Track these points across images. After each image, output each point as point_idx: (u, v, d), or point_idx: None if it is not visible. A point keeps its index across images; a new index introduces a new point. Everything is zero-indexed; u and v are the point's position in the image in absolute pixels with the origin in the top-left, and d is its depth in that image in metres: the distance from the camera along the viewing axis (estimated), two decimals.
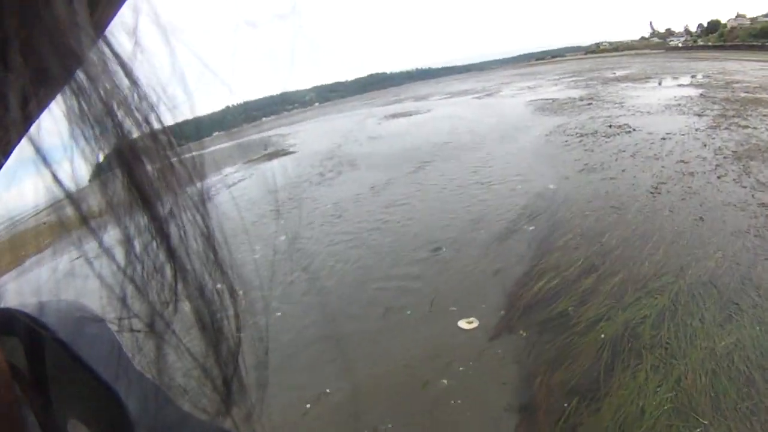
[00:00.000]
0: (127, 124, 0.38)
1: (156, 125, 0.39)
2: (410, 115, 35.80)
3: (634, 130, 15.31)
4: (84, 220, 0.37)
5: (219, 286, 0.45)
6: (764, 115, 15.73)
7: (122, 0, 0.39)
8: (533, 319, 5.74)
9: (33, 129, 0.36)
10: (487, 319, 5.90)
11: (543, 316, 5.74)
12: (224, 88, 0.45)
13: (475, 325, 5.80)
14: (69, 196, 0.35)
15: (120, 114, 0.37)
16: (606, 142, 14.20)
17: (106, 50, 0.37)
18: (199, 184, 0.44)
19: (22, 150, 0.37)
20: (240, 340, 0.48)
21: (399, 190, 13.09)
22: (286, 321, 6.82)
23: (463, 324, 5.85)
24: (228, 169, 27.63)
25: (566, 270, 6.69)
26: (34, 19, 0.32)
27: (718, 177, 9.83)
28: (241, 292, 0.47)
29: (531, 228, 8.55)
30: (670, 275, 6.16)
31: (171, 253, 0.42)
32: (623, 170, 11.11)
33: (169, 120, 0.41)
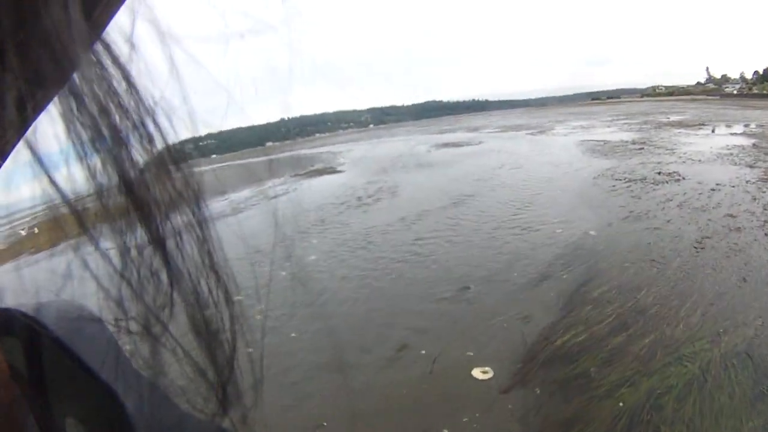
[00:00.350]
0: (124, 127, 0.38)
1: (152, 129, 0.40)
2: (461, 146, 35.56)
3: (683, 178, 14.81)
4: (80, 223, 0.38)
5: (214, 290, 0.46)
6: None
7: (120, 3, 0.39)
8: (551, 375, 5.41)
9: (30, 131, 0.37)
10: (503, 369, 5.60)
11: (562, 374, 5.40)
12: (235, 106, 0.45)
13: (489, 375, 5.50)
14: (65, 198, 0.36)
15: (116, 117, 0.38)
16: (654, 189, 13.74)
17: (103, 53, 0.37)
18: (195, 191, 0.44)
19: (20, 152, 0.38)
20: (235, 343, 0.48)
21: (434, 224, 12.85)
22: (294, 344, 6.78)
23: (476, 373, 5.57)
24: (274, 181, 27.95)
25: (596, 325, 6.33)
26: (30, 21, 0.32)
27: (766, 234, 9.32)
28: (236, 298, 0.48)
29: (565, 276, 8.18)
30: (705, 341, 5.74)
31: (166, 258, 0.42)
32: (668, 221, 10.68)
33: (167, 125, 0.41)
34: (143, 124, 0.39)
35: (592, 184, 15.47)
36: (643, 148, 22.66)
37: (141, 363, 0.44)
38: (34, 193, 0.36)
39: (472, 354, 6.02)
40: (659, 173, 15.91)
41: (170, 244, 0.42)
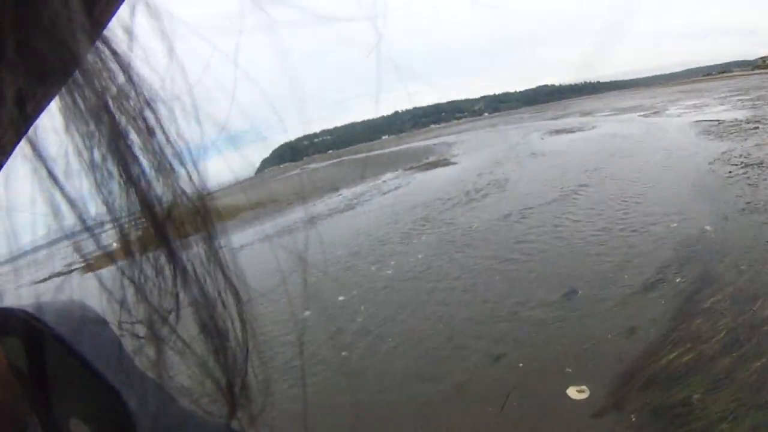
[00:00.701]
0: (126, 123, 0.39)
1: (154, 124, 0.40)
2: (574, 131, 34.91)
3: None
4: (83, 223, 0.38)
5: (223, 292, 0.46)
6: None
7: None
8: (650, 400, 5.02)
9: (31, 129, 0.38)
10: (601, 389, 5.30)
11: (661, 399, 4.99)
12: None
13: (585, 396, 5.23)
14: (67, 197, 0.37)
15: (118, 113, 0.39)
16: None
17: (105, 49, 0.38)
18: (202, 189, 0.44)
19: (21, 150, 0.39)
20: (246, 345, 0.49)
21: (541, 220, 12.45)
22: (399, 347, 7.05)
23: (572, 392, 5.31)
24: (387, 175, 28.23)
25: (705, 342, 5.76)
26: (31, 17, 0.32)
27: None
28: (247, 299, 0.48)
29: (678, 280, 7.59)
30: None
31: (173, 259, 0.43)
32: None
33: (169, 120, 0.41)
34: (145, 120, 0.40)
35: (707, 170, 14.39)
36: (758, 127, 21.02)
37: (146, 364, 0.45)
38: (36, 192, 0.36)
39: (570, 371, 5.76)
40: None
41: (177, 245, 0.43)
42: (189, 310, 0.45)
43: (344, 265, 12.17)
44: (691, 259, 8.28)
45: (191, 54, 0.39)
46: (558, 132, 36.29)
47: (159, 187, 0.41)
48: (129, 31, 0.38)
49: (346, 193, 26.05)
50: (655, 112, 39.12)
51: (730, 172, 13.71)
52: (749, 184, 12.14)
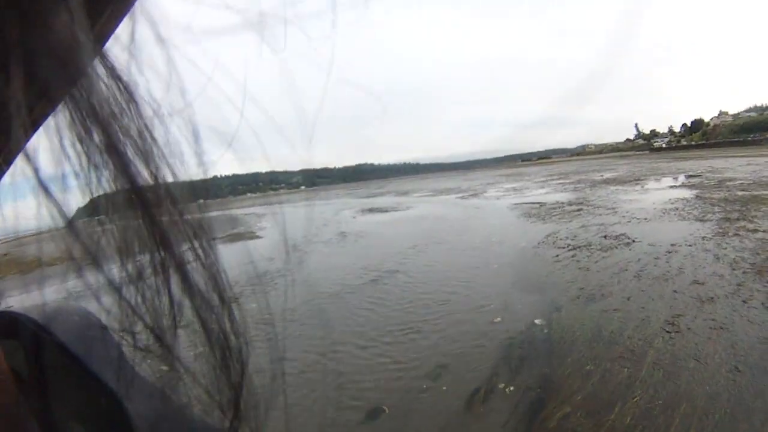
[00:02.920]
0: (123, 138, 0.39)
1: (150, 141, 0.41)
2: (388, 211, 35.14)
3: (633, 241, 13.49)
4: (78, 236, 0.39)
5: (220, 309, 0.46)
6: None
7: (123, 14, 0.39)
8: None
9: (30, 143, 0.37)
10: None
11: None
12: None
13: None
14: (61, 211, 0.37)
15: (116, 128, 0.39)
16: (603, 257, 12.08)
17: (104, 64, 0.39)
18: (200, 209, 0.45)
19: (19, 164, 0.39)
20: (245, 361, 0.49)
21: (339, 314, 10.38)
22: None
23: None
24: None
25: None
26: (35, 31, 0.33)
27: (744, 301, 8.02)
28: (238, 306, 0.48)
29: (510, 389, 6.05)
30: None
31: (169, 277, 0.43)
32: (628, 298, 8.88)
33: (165, 136, 0.42)
34: (142, 136, 0.40)
35: (532, 254, 13.63)
36: (581, 209, 21.83)
37: (147, 372, 0.49)
38: (34, 205, 0.36)
39: None
40: (605, 237, 14.59)
41: (174, 263, 0.43)
42: (189, 321, 0.44)
43: None
44: (524, 362, 6.85)
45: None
46: (371, 211, 36.57)
47: (154, 197, 0.41)
48: (128, 45, 0.38)
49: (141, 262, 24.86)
50: (473, 195, 40.38)
51: (557, 255, 13.09)
52: (580, 268, 11.49)
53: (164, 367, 0.44)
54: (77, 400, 0.65)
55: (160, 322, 0.43)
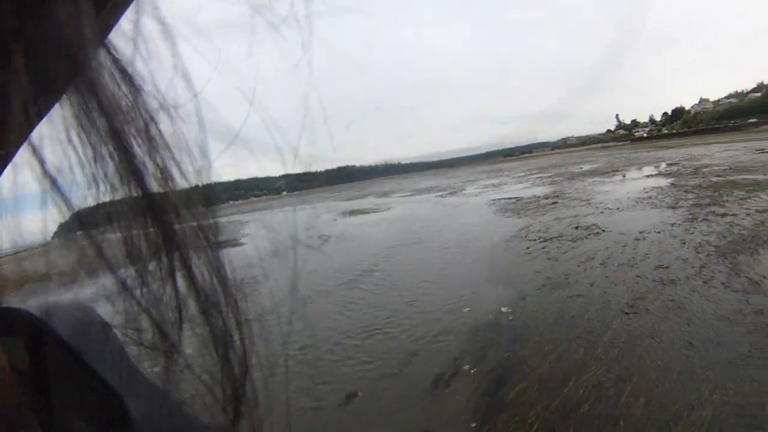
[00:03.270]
0: (128, 130, 0.39)
1: (155, 132, 0.41)
2: (368, 213, 35.22)
3: (603, 231, 13.82)
4: (84, 229, 0.40)
5: (225, 308, 0.47)
6: (741, 199, 15.30)
7: (126, 5, 0.39)
8: None
9: (33, 134, 0.38)
10: None
11: None
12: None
13: None
14: (67, 203, 0.38)
15: (120, 120, 0.39)
16: (572, 248, 12.41)
17: (108, 55, 0.39)
18: (206, 200, 0.46)
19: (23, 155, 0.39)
20: (248, 359, 0.49)
21: (325, 309, 10.67)
22: None
23: None
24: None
25: None
26: (38, 22, 0.33)
27: (704, 282, 8.35)
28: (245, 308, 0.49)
29: (474, 370, 6.44)
30: None
31: (176, 273, 0.44)
32: (592, 284, 9.21)
33: (170, 128, 0.41)
34: (147, 128, 0.40)
35: (504, 248, 13.96)
36: (557, 202, 22.05)
37: (150, 369, 0.48)
38: (37, 196, 0.37)
39: None
40: (576, 228, 14.90)
41: (180, 259, 0.43)
42: (193, 319, 0.45)
43: None
44: (489, 346, 7.22)
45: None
46: (352, 213, 36.69)
47: (161, 194, 0.41)
48: (132, 37, 0.38)
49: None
50: (452, 193, 40.58)
51: (528, 248, 13.37)
52: (548, 259, 11.77)
53: (166, 364, 0.44)
54: (78, 397, 0.65)
55: (166, 317, 0.43)
